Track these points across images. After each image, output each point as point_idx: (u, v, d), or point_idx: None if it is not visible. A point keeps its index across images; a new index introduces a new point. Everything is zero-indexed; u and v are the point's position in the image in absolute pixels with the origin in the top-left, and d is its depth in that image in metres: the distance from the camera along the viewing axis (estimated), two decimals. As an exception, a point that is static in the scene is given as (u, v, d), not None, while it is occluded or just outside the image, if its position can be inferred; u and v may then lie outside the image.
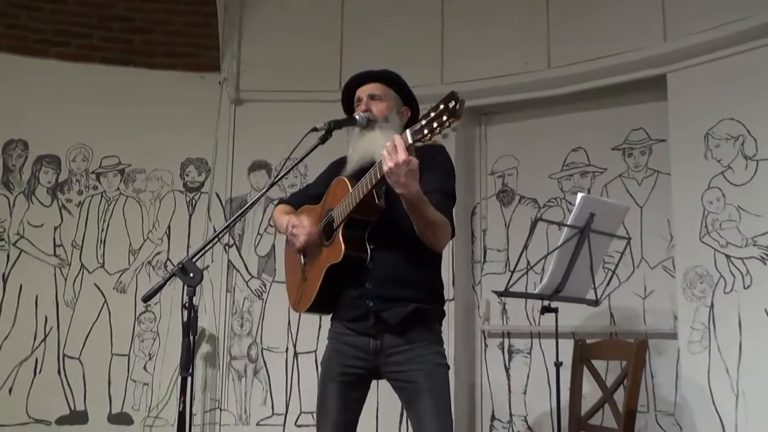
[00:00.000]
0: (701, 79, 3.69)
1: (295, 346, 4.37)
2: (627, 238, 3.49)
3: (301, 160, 2.40)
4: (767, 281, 3.40)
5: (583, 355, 3.48)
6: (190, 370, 2.32)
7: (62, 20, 4.50)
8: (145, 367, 4.35)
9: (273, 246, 4.46)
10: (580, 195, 3.16)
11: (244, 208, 2.41)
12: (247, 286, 4.46)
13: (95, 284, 4.39)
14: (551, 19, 4.21)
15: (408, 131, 2.06)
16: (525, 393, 4.26)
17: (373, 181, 2.17)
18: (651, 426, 3.83)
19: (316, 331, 4.15)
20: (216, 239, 2.41)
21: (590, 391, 3.50)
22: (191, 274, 2.21)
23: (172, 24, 4.64)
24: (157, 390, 4.32)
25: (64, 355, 4.29)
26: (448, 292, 4.06)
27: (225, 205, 4.51)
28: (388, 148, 2.08)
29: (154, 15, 4.61)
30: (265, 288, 4.44)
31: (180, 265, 2.21)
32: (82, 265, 4.40)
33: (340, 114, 2.57)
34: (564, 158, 4.31)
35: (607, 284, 3.66)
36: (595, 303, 3.29)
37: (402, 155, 2.05)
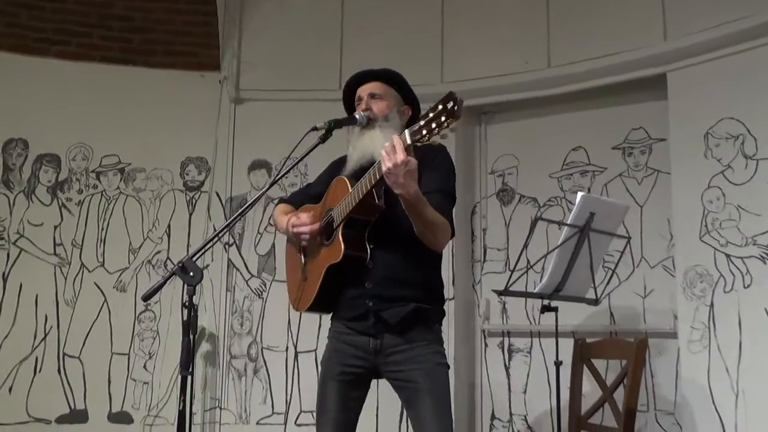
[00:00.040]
0: (701, 78, 3.69)
1: (295, 346, 4.37)
2: (627, 237, 3.49)
3: (301, 159, 2.40)
4: (767, 280, 3.40)
5: (583, 355, 3.48)
6: (190, 369, 2.33)
7: (62, 19, 4.50)
8: (145, 366, 4.35)
9: (273, 245, 4.46)
10: (580, 194, 3.16)
11: (244, 207, 2.41)
12: (247, 285, 4.46)
13: (95, 283, 4.39)
14: (551, 18, 4.21)
15: (407, 131, 2.06)
16: (525, 392, 4.26)
17: (373, 181, 2.17)
18: (651, 425, 3.83)
19: (316, 330, 4.15)
20: (216, 238, 2.42)
21: (590, 391, 3.50)
22: (191, 273, 2.21)
23: (172, 23, 4.64)
24: (157, 389, 4.32)
25: (64, 354, 4.29)
26: (448, 291, 4.06)
27: (225, 204, 4.51)
28: (386, 149, 2.08)
29: (154, 14, 4.61)
30: (265, 287, 4.44)
31: (180, 264, 2.22)
32: (82, 264, 4.40)
33: (341, 113, 2.57)
34: (564, 157, 4.31)
35: (607, 283, 3.66)
36: (595, 302, 3.29)
37: (400, 156, 2.05)
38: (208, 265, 4.39)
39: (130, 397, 4.31)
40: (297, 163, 2.44)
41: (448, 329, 4.10)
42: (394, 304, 2.33)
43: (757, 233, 3.45)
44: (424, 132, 1.99)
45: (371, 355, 2.37)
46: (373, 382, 2.48)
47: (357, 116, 2.44)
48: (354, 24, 4.58)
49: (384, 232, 2.33)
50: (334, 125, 2.39)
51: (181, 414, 2.23)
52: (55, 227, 4.40)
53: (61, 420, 4.23)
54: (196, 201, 4.55)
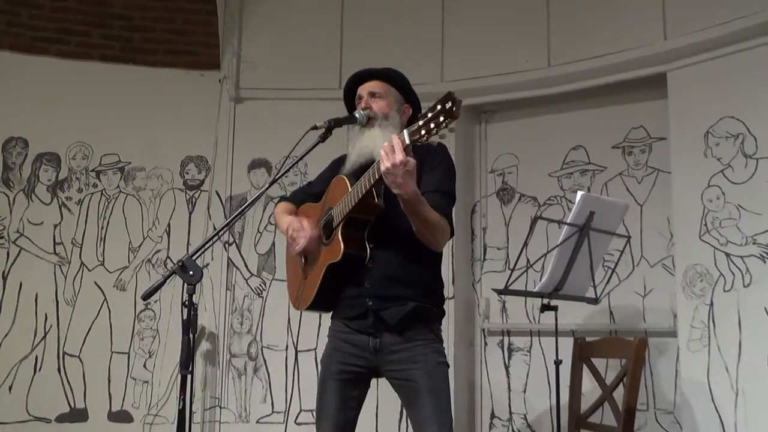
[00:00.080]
0: (701, 77, 3.69)
1: (295, 345, 4.37)
2: (627, 236, 3.48)
3: (301, 158, 2.40)
4: (767, 279, 3.40)
5: (583, 353, 3.48)
6: (190, 368, 2.33)
7: (62, 18, 4.50)
8: (145, 365, 4.35)
9: (273, 244, 4.46)
10: (579, 193, 3.15)
11: (244, 206, 2.41)
12: (247, 284, 4.46)
13: (95, 282, 4.39)
14: (551, 17, 4.21)
15: (405, 132, 2.06)
16: (525, 391, 4.26)
17: (372, 181, 2.18)
18: (650, 424, 3.83)
19: (315, 329, 4.14)
20: (216, 237, 2.42)
21: (590, 389, 3.50)
22: (191, 272, 2.21)
23: (172, 22, 4.63)
24: (157, 388, 4.32)
25: (64, 352, 4.29)
26: (448, 290, 4.06)
27: (225, 203, 4.51)
28: (385, 149, 2.08)
29: (154, 13, 4.61)
30: (265, 286, 4.44)
31: (180, 263, 2.22)
32: (82, 263, 4.40)
33: (341, 112, 2.57)
34: (564, 156, 4.31)
35: (607, 282, 3.66)
36: (595, 301, 3.28)
37: (399, 156, 2.05)
38: (207, 264, 4.39)
39: (130, 396, 4.31)
40: (297, 162, 2.44)
41: (448, 328, 4.10)
42: (394, 304, 2.33)
43: (756, 232, 3.45)
44: (423, 132, 1.99)
45: (371, 354, 2.37)
46: (373, 381, 2.48)
47: (357, 115, 2.44)
48: (354, 22, 4.58)
49: (384, 232, 2.33)
50: (334, 124, 2.39)
51: (181, 413, 2.23)
52: (55, 226, 4.40)
53: (61, 419, 4.23)
54: (195, 200, 4.55)
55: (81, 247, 4.41)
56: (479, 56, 4.33)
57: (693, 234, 3.63)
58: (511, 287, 3.19)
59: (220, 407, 4.31)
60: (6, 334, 4.23)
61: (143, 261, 4.45)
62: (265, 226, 4.49)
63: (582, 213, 3.12)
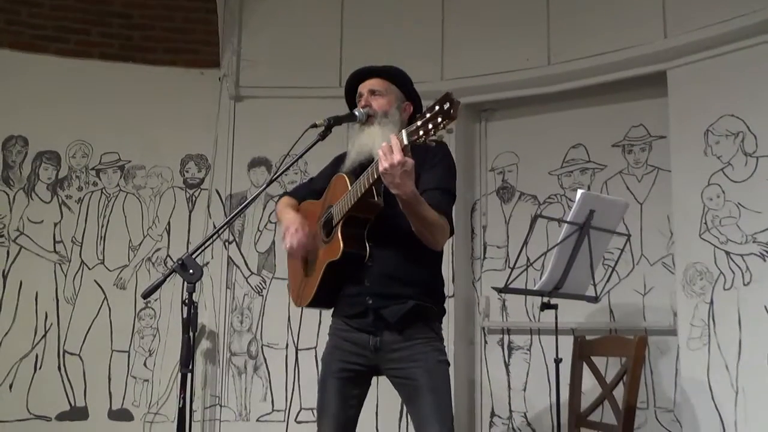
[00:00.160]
0: (701, 75, 3.68)
1: (295, 343, 4.37)
2: (627, 234, 3.48)
3: (300, 156, 2.40)
4: (767, 278, 3.40)
5: (583, 352, 3.48)
6: (190, 367, 2.33)
7: (62, 16, 4.50)
8: (145, 364, 4.35)
9: (273, 242, 4.46)
10: (579, 192, 3.15)
11: (244, 204, 2.42)
12: (247, 282, 4.46)
13: (95, 281, 4.39)
14: (551, 15, 4.20)
15: (403, 132, 2.06)
16: (525, 389, 4.26)
17: (371, 180, 2.18)
18: (650, 422, 3.83)
19: (316, 327, 4.14)
20: (216, 235, 2.42)
21: (590, 388, 3.50)
22: (191, 271, 2.22)
23: (171, 20, 4.63)
24: (157, 386, 4.32)
25: (64, 351, 4.29)
26: (448, 288, 4.06)
27: (225, 202, 4.51)
28: (383, 149, 2.07)
29: (154, 11, 4.61)
30: (265, 284, 4.44)
31: (180, 262, 2.22)
32: (82, 261, 4.40)
33: (341, 110, 2.57)
34: (564, 155, 4.30)
35: (607, 281, 3.65)
36: (595, 300, 3.28)
37: (397, 156, 2.05)
38: (207, 263, 4.39)
39: (131, 395, 4.31)
40: (296, 160, 2.44)
41: (448, 326, 4.09)
42: (394, 302, 2.33)
43: (756, 231, 3.45)
44: (421, 133, 1.99)
45: (371, 352, 2.37)
46: (374, 379, 2.48)
47: (356, 113, 2.44)
48: (354, 20, 4.58)
49: (383, 230, 2.33)
50: (334, 122, 2.39)
51: (181, 411, 2.24)
52: (55, 224, 4.40)
53: (62, 417, 4.23)
54: (195, 198, 4.55)
55: (81, 246, 4.41)
56: (479, 54, 4.33)
57: (693, 232, 3.63)
58: (511, 285, 3.19)
59: (221, 406, 4.31)
60: (6, 333, 4.23)
61: (143, 259, 4.45)
62: (265, 225, 4.49)
63: (582, 211, 3.12)
